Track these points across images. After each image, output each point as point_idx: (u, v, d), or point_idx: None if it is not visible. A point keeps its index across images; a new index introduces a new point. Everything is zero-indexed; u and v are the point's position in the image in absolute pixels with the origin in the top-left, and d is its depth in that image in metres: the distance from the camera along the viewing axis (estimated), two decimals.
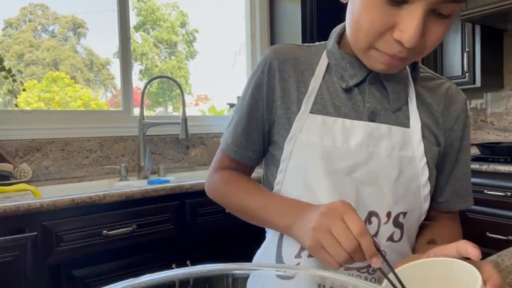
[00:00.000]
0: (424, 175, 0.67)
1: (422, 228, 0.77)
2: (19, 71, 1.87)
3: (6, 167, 1.69)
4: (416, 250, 0.78)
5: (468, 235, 2.09)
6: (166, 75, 2.49)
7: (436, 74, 0.77)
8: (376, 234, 0.65)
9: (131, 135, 2.13)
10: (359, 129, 0.66)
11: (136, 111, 2.22)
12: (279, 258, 0.69)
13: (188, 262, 1.56)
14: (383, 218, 0.65)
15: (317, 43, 0.77)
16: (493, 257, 0.72)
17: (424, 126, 0.69)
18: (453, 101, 0.73)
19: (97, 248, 1.39)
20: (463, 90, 2.61)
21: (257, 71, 0.73)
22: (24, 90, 1.85)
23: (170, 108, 2.77)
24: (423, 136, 0.68)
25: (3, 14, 2.10)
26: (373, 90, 0.69)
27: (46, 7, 2.27)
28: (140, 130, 2.08)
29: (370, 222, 0.65)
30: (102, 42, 2.36)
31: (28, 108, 2.01)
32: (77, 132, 1.98)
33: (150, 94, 2.67)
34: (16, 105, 1.81)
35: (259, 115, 0.73)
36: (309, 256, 0.65)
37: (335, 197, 0.63)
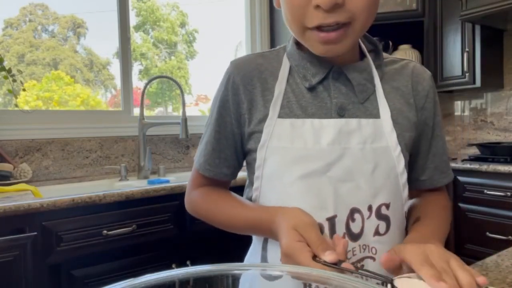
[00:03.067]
0: (400, 163, 0.67)
1: (410, 208, 0.78)
2: (19, 71, 1.87)
3: (6, 167, 1.69)
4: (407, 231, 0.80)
5: (468, 235, 2.10)
6: (166, 75, 2.49)
7: (399, 57, 0.77)
8: (361, 231, 0.65)
9: (131, 135, 2.13)
10: (328, 127, 0.66)
11: (136, 111, 2.22)
12: (264, 261, 0.70)
13: (188, 262, 1.56)
14: (366, 213, 0.65)
15: (278, 47, 0.77)
16: (493, 257, 0.72)
17: (396, 112, 0.69)
18: (420, 80, 0.73)
19: (97, 248, 1.39)
20: (463, 90, 2.60)
21: (221, 89, 0.73)
22: (24, 90, 1.85)
23: (170, 108, 2.77)
24: (396, 123, 0.69)
25: (3, 14, 2.10)
26: (338, 85, 0.68)
27: (46, 7, 2.27)
28: (140, 130, 2.08)
29: (353, 220, 0.65)
30: (102, 42, 2.36)
31: (27, 107, 2.01)
32: (77, 132, 1.98)
33: (150, 94, 2.67)
34: (16, 105, 1.81)
35: (228, 131, 0.73)
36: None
37: (313, 200, 0.64)
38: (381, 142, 0.67)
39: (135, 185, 1.82)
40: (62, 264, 1.35)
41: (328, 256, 0.49)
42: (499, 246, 1.81)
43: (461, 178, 2.11)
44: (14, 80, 1.76)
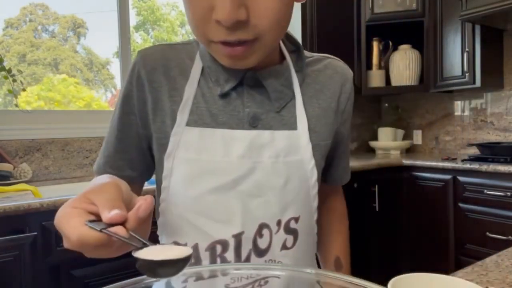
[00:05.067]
0: (313, 176, 0.65)
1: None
2: (19, 71, 1.87)
3: (6, 167, 1.69)
4: (322, 263, 0.82)
5: (468, 235, 2.10)
6: None
7: (322, 55, 0.72)
8: (269, 246, 0.62)
9: None
10: (240, 139, 0.61)
11: None
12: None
13: None
14: (274, 228, 0.62)
15: (192, 39, 0.68)
16: (493, 257, 0.72)
17: (314, 120, 0.66)
18: (344, 81, 0.70)
19: None
20: (463, 90, 2.61)
21: (126, 82, 0.65)
22: (24, 90, 1.85)
23: None
24: (314, 131, 0.65)
25: (4, 14, 2.10)
26: (252, 92, 0.63)
27: (46, 7, 2.27)
28: None
29: (261, 236, 0.61)
30: (102, 42, 2.36)
31: (28, 108, 2.01)
32: (77, 132, 1.98)
33: None
34: (16, 105, 1.81)
35: (132, 131, 0.65)
36: (196, 280, 0.57)
37: (220, 215, 0.60)
38: (296, 156, 0.63)
39: None
40: (62, 264, 1.35)
41: (106, 215, 0.39)
42: (499, 246, 1.82)
43: (461, 178, 2.11)
44: (14, 80, 1.76)
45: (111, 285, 0.34)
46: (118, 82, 2.32)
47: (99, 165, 0.68)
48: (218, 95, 0.63)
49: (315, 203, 0.68)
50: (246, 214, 0.61)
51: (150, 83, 0.63)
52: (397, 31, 2.67)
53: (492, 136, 2.60)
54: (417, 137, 3.02)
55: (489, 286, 0.59)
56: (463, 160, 2.17)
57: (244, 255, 0.61)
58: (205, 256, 0.62)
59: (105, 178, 0.47)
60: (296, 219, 0.64)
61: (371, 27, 2.60)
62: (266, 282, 0.56)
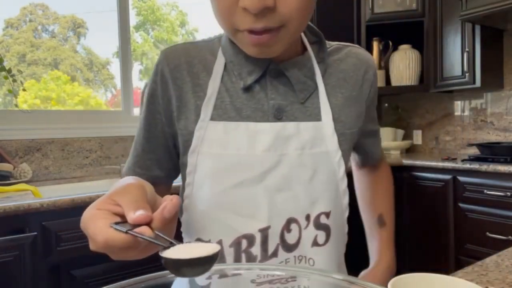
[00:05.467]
0: (341, 169, 0.64)
1: (362, 189, 0.88)
2: (19, 71, 1.87)
3: (6, 167, 1.69)
4: (366, 229, 0.85)
5: (468, 235, 2.09)
6: None
7: (343, 43, 0.72)
8: (298, 241, 0.61)
9: (131, 135, 2.13)
10: (265, 132, 0.60)
11: (136, 111, 2.22)
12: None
13: None
14: (303, 223, 0.61)
15: (214, 36, 0.69)
16: (493, 257, 0.72)
17: (338, 110, 0.65)
18: (366, 67, 0.70)
19: None
20: (463, 90, 2.60)
21: (150, 81, 0.66)
22: (24, 90, 1.85)
23: None
24: (338, 121, 0.65)
25: (4, 14, 2.10)
26: (276, 84, 0.63)
27: (46, 7, 2.27)
28: None
29: (289, 230, 0.60)
30: (102, 42, 2.36)
31: (25, 106, 2.02)
32: (77, 132, 1.98)
33: None
34: (16, 105, 1.81)
35: (158, 130, 0.66)
36: (220, 277, 0.58)
37: (246, 210, 0.60)
38: (321, 147, 0.62)
39: None
40: (62, 264, 1.35)
41: (131, 216, 0.39)
42: (499, 246, 1.81)
43: (461, 178, 2.11)
44: (14, 80, 1.77)
45: (111, 285, 0.34)
46: (118, 82, 2.32)
47: (129, 165, 0.69)
48: (242, 89, 0.63)
49: (345, 200, 0.66)
50: (272, 208, 0.60)
51: (174, 80, 0.63)
52: (397, 31, 2.67)
53: (492, 136, 2.60)
54: (417, 137, 3.02)
55: (489, 286, 0.59)
56: (463, 160, 2.17)
57: (271, 249, 0.60)
58: (229, 253, 0.61)
59: (129, 179, 0.47)
60: (327, 215, 0.63)
61: (371, 27, 2.60)
62: (294, 280, 0.54)
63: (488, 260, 0.70)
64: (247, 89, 0.63)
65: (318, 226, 0.62)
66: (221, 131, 0.61)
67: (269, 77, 0.63)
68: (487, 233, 1.98)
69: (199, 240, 0.64)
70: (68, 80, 2.28)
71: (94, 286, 1.38)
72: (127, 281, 0.35)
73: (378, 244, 0.82)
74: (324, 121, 0.63)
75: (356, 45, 0.73)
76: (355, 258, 0.89)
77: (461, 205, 2.12)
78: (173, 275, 0.36)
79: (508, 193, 1.91)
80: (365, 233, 0.86)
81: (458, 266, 2.08)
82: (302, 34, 0.66)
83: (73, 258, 1.36)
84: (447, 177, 2.17)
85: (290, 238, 0.61)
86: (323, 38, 0.68)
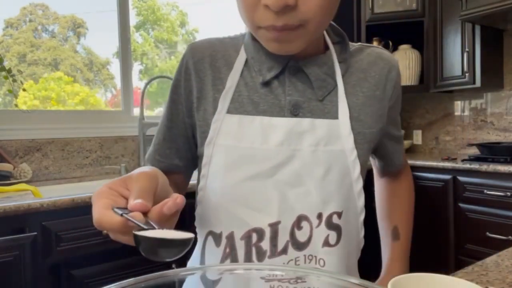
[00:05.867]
0: (356, 169, 0.63)
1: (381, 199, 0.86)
2: (19, 71, 1.87)
3: (6, 167, 1.69)
4: (381, 239, 0.85)
5: (468, 235, 2.09)
6: (166, 75, 2.50)
7: (366, 44, 0.72)
8: (309, 240, 0.60)
9: (131, 135, 2.13)
10: (279, 126, 0.61)
11: (136, 111, 2.22)
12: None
13: (188, 262, 1.56)
14: (314, 221, 0.60)
15: (239, 33, 0.71)
16: (493, 257, 0.72)
17: (358, 109, 0.65)
18: (389, 68, 0.69)
19: (97, 248, 1.39)
20: (463, 90, 2.60)
21: (175, 73, 0.68)
22: (24, 90, 1.85)
23: None
24: (358, 120, 0.64)
25: (4, 14, 2.10)
26: (294, 80, 0.63)
27: (46, 7, 2.27)
28: (140, 130, 2.08)
29: (299, 228, 0.60)
30: (102, 42, 2.36)
31: (24, 107, 2.02)
32: (77, 132, 1.98)
33: (150, 94, 2.67)
34: (16, 105, 1.81)
35: (179, 120, 0.68)
36: (231, 272, 0.59)
37: (256, 203, 0.60)
38: (336, 145, 0.62)
39: None
40: (62, 264, 1.35)
41: (130, 202, 0.41)
42: (499, 246, 1.81)
43: (461, 178, 2.11)
44: (14, 80, 1.77)
45: (111, 285, 0.34)
46: (118, 82, 2.32)
47: (150, 153, 0.71)
48: (260, 83, 0.64)
49: (360, 202, 0.65)
50: (283, 203, 0.60)
51: (196, 72, 0.66)
52: (397, 31, 2.67)
53: (492, 136, 2.60)
54: (417, 137, 3.02)
55: (489, 286, 0.59)
56: (463, 160, 2.17)
57: (280, 246, 0.60)
58: (240, 245, 0.61)
59: (146, 169, 0.49)
60: (339, 215, 0.62)
61: (371, 27, 2.60)
62: (304, 281, 0.53)
63: (488, 260, 0.70)
64: (266, 84, 0.64)
65: (330, 226, 0.62)
66: (236, 124, 0.62)
67: (288, 73, 0.63)
68: (487, 233, 1.98)
69: (210, 232, 0.65)
70: (70, 81, 2.28)
71: (94, 286, 1.38)
72: (127, 281, 0.35)
73: (388, 257, 0.81)
74: (341, 120, 0.63)
75: (379, 46, 0.73)
76: (370, 264, 0.90)
77: (461, 205, 2.12)
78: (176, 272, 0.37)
79: (508, 193, 1.91)
80: (380, 242, 0.85)
81: (458, 266, 2.08)
82: (325, 34, 0.67)
83: (73, 258, 1.36)
84: (447, 177, 2.17)
85: (301, 236, 0.60)
86: (347, 39, 0.68)
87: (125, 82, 2.21)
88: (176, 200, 0.43)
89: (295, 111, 0.62)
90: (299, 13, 0.52)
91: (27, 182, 1.71)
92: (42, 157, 1.88)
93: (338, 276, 0.38)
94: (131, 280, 0.35)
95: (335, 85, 0.64)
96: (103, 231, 0.43)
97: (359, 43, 0.72)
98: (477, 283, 0.58)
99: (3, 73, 1.73)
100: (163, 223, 0.43)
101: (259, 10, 0.53)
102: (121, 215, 0.40)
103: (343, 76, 0.65)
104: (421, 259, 2.33)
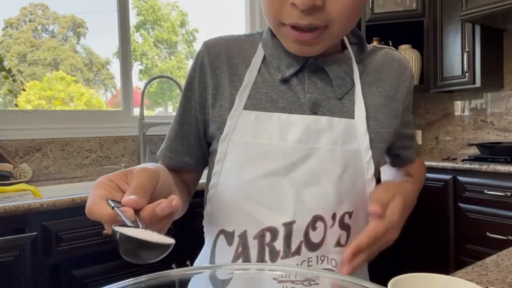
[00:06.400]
0: (370, 170, 0.62)
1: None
2: (19, 71, 1.87)
3: (6, 167, 1.69)
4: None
5: (468, 235, 2.08)
6: (166, 75, 2.50)
7: (379, 45, 0.72)
8: (322, 241, 0.60)
9: (131, 135, 2.13)
10: (296, 124, 0.60)
11: (136, 111, 2.22)
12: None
13: (188, 262, 1.56)
14: (329, 221, 0.60)
15: (255, 32, 0.71)
16: (493, 257, 0.72)
17: (375, 108, 0.65)
18: (403, 69, 0.69)
19: (97, 248, 1.39)
20: (463, 90, 2.60)
21: (190, 70, 0.68)
22: (24, 90, 1.85)
23: (170, 108, 2.77)
24: (375, 120, 0.64)
25: (3, 14, 2.10)
26: (314, 78, 0.63)
27: (46, 7, 2.27)
28: (140, 130, 2.08)
29: (314, 228, 0.59)
30: (102, 42, 2.36)
31: (29, 106, 2.02)
32: (77, 132, 1.98)
33: (150, 94, 2.67)
34: (16, 105, 1.81)
35: (192, 117, 0.67)
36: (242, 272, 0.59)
37: (271, 202, 0.59)
38: (352, 145, 0.61)
39: None
40: (62, 264, 1.35)
41: (124, 197, 0.41)
42: (499, 246, 1.81)
43: (461, 178, 2.11)
44: (14, 80, 1.77)
45: (111, 285, 0.34)
46: (118, 82, 2.32)
47: (162, 150, 0.71)
48: (279, 81, 0.63)
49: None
50: (299, 203, 0.59)
51: (212, 69, 0.65)
52: (397, 31, 2.67)
53: (492, 136, 2.60)
54: (417, 137, 3.02)
55: (489, 286, 0.59)
56: (463, 160, 2.17)
57: (294, 246, 0.59)
58: (253, 244, 0.60)
59: (150, 165, 0.48)
60: (350, 214, 0.61)
61: (371, 27, 2.60)
62: (317, 284, 0.52)
63: (488, 260, 0.70)
64: (285, 82, 0.63)
65: (342, 226, 0.61)
66: (253, 120, 0.61)
67: (308, 71, 0.63)
68: (487, 233, 1.98)
69: (222, 231, 0.64)
70: (72, 81, 2.28)
71: (94, 286, 1.38)
72: (127, 280, 0.35)
73: (393, 180, 0.74)
74: (357, 119, 0.63)
75: (392, 48, 0.73)
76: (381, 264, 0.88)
77: (461, 205, 2.12)
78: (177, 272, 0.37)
79: (508, 193, 1.91)
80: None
81: (458, 266, 2.08)
82: None
83: (73, 258, 1.36)
84: (447, 177, 2.17)
85: (315, 237, 0.59)
86: (364, 40, 0.68)
87: (125, 82, 2.21)
88: (171, 202, 0.42)
89: (314, 109, 0.62)
90: (325, 14, 0.52)
91: (27, 182, 1.71)
92: (42, 157, 1.88)
93: (351, 279, 0.38)
94: (131, 280, 0.35)
95: (353, 85, 0.64)
96: (103, 231, 0.43)
97: (372, 45, 0.72)
98: (477, 283, 0.58)
99: (3, 73, 1.73)
100: (154, 223, 0.42)
101: (285, 7, 0.53)
102: (113, 208, 0.40)
103: (360, 75, 0.65)
104: (421, 259, 2.33)
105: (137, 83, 2.48)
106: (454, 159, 2.28)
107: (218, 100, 0.64)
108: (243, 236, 0.61)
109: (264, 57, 0.65)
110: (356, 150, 0.62)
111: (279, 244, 0.59)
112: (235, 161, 0.61)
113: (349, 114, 0.63)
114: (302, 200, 0.59)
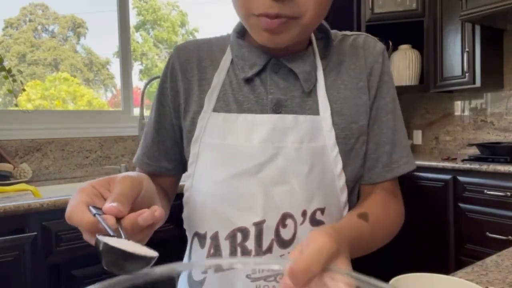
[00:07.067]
0: (338, 165, 0.62)
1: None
2: (19, 71, 1.87)
3: (6, 167, 1.69)
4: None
5: (468, 235, 2.08)
6: None
7: (350, 32, 0.70)
8: (293, 237, 0.60)
9: (131, 135, 2.13)
10: (262, 123, 0.60)
11: (136, 111, 2.22)
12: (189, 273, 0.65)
13: None
14: (299, 219, 0.60)
15: (227, 33, 0.70)
16: (493, 257, 0.72)
17: (340, 103, 0.63)
18: (372, 56, 0.65)
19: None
20: (463, 90, 2.60)
21: (161, 75, 0.69)
22: (24, 90, 1.85)
23: None
24: (341, 114, 0.62)
25: (3, 14, 2.10)
26: (276, 79, 0.62)
27: (46, 7, 2.27)
28: (140, 130, 2.08)
29: (284, 226, 0.59)
30: (102, 42, 2.36)
31: (30, 106, 2.02)
32: (77, 132, 1.98)
33: (150, 94, 2.67)
34: (16, 105, 1.81)
35: (167, 122, 0.68)
36: (216, 271, 0.60)
37: (241, 202, 0.60)
38: (318, 141, 0.61)
39: None
40: (62, 264, 1.35)
41: (106, 204, 0.41)
42: (499, 246, 1.81)
43: (461, 178, 2.11)
44: (14, 80, 1.77)
45: (110, 279, 0.34)
46: (118, 82, 2.32)
47: (138, 156, 0.71)
48: (243, 81, 0.63)
49: (343, 197, 0.64)
50: (268, 202, 0.59)
51: (183, 73, 0.66)
52: (397, 31, 2.67)
53: (492, 136, 2.60)
54: (417, 137, 3.02)
55: (489, 286, 0.59)
56: (463, 160, 2.17)
57: (265, 245, 0.59)
58: (225, 246, 0.61)
59: (133, 174, 0.48)
60: (322, 211, 0.61)
61: (371, 27, 2.60)
62: None
63: (488, 260, 0.70)
64: (249, 82, 0.63)
65: (314, 222, 0.61)
66: (221, 122, 0.62)
67: (270, 71, 0.63)
68: (487, 233, 1.98)
69: (196, 234, 0.64)
70: (74, 82, 2.28)
71: None
72: (125, 276, 0.35)
73: (334, 224, 0.57)
74: (322, 116, 0.62)
75: (364, 33, 0.69)
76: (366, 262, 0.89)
77: (461, 205, 2.12)
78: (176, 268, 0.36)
79: (508, 193, 1.91)
80: None
81: (458, 266, 2.08)
82: None
83: (73, 258, 1.36)
84: (447, 177, 2.17)
85: (285, 234, 0.60)
86: (331, 35, 0.67)
87: (125, 82, 2.21)
88: (154, 212, 0.42)
89: (277, 109, 0.62)
90: (296, 5, 0.52)
91: (27, 182, 1.71)
92: (42, 157, 1.88)
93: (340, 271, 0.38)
94: (129, 276, 0.35)
95: (316, 81, 0.63)
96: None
97: (343, 32, 0.70)
98: (477, 283, 0.58)
99: (3, 73, 1.73)
100: (135, 233, 0.42)
101: None
102: (94, 215, 0.39)
103: (324, 70, 0.64)
104: (421, 259, 2.33)
105: (137, 83, 2.48)
106: (454, 159, 2.28)
107: (189, 104, 0.65)
108: (215, 237, 0.61)
109: (232, 59, 0.65)
110: (322, 147, 0.61)
111: (250, 244, 0.60)
112: (206, 163, 0.62)
113: (314, 111, 0.62)
114: (271, 199, 0.59)
